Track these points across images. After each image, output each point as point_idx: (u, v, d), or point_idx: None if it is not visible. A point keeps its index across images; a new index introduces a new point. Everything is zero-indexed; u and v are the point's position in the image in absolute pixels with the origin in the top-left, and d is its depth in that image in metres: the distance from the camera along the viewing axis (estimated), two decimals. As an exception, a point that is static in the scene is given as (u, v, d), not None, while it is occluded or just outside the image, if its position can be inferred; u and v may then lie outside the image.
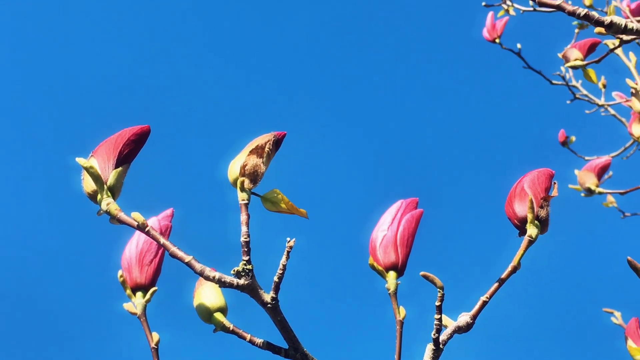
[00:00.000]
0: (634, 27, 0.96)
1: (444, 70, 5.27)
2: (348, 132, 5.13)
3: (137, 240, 1.13)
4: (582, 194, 2.77)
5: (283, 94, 5.13)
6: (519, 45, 3.56)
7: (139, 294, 1.09)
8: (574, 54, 2.08)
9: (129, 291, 1.10)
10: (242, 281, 0.88)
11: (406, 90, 5.29)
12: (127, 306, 1.09)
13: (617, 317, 2.33)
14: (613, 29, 0.96)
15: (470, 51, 4.91)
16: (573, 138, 3.76)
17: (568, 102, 3.66)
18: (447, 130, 5.09)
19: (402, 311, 1.10)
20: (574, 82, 3.65)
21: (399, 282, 1.11)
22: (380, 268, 1.11)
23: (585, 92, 3.62)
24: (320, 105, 5.14)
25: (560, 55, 2.15)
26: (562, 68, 3.63)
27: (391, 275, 1.11)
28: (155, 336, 1.08)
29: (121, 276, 1.10)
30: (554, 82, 3.63)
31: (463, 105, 5.14)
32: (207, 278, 0.88)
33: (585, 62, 2.08)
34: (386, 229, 1.14)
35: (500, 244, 1.12)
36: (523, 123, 4.94)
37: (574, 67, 2.07)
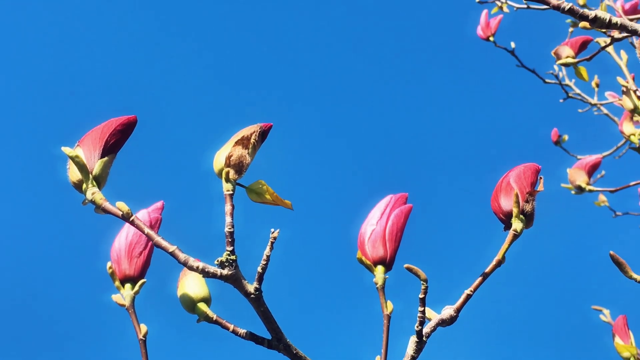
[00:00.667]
0: (618, 22, 0.97)
1: (438, 67, 5.27)
2: (338, 125, 5.12)
3: (126, 232, 1.13)
4: (573, 192, 2.77)
5: (271, 85, 5.12)
6: (512, 44, 3.57)
7: (128, 285, 1.09)
8: (566, 52, 2.09)
9: (117, 283, 1.10)
10: (225, 271, 0.88)
11: (399, 86, 5.28)
12: (116, 298, 1.09)
13: (605, 315, 2.33)
14: (597, 23, 0.97)
15: (464, 49, 4.91)
16: (566, 137, 3.77)
17: (561, 100, 3.67)
18: (438, 126, 5.09)
19: (390, 305, 1.10)
20: (567, 81, 3.65)
21: (387, 276, 1.11)
22: (368, 262, 1.12)
23: (578, 91, 3.62)
24: (308, 97, 5.13)
25: (552, 52, 2.15)
26: (556, 67, 3.63)
27: (379, 269, 1.11)
28: (143, 328, 1.08)
29: (110, 267, 1.10)
30: (547, 80, 3.64)
31: (456, 103, 5.14)
32: (191, 268, 0.88)
33: (576, 60, 2.08)
34: (375, 224, 1.14)
35: (487, 238, 1.13)
36: (516, 121, 4.94)
37: (565, 65, 2.07)
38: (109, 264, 1.10)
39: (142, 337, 1.07)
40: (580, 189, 2.72)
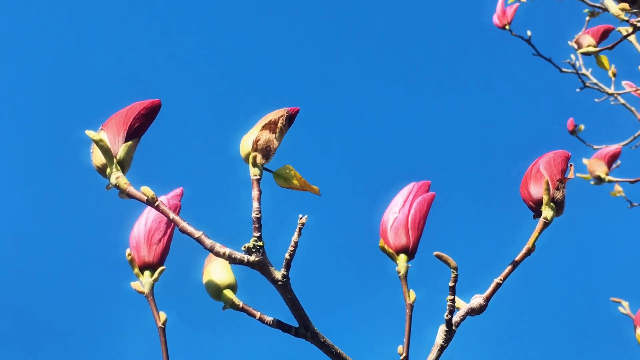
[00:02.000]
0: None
1: (454, 55, 5.24)
2: (361, 113, 5.09)
3: (145, 219, 1.12)
4: (592, 182, 2.74)
5: (297, 70, 5.09)
6: (529, 33, 3.54)
7: (147, 272, 1.08)
8: (587, 40, 2.06)
9: (136, 270, 1.09)
10: (252, 258, 0.86)
11: (417, 75, 5.25)
12: (135, 285, 1.08)
13: (624, 307, 2.31)
14: (638, 4, 0.94)
15: (480, 37, 4.88)
16: (582, 127, 3.74)
17: (577, 90, 3.63)
18: (457, 116, 5.06)
19: (412, 294, 1.09)
20: (583, 70, 3.62)
21: (409, 265, 1.10)
22: (390, 251, 1.11)
23: (595, 80, 3.59)
24: (333, 84, 5.10)
25: (572, 41, 2.13)
26: (572, 56, 3.60)
27: (402, 258, 1.10)
28: (163, 315, 1.07)
29: (129, 254, 1.09)
30: (563, 70, 3.61)
31: (472, 92, 5.11)
32: (217, 254, 0.86)
33: (598, 49, 2.06)
34: (397, 212, 1.13)
35: (515, 226, 1.11)
36: (531, 110, 4.91)
37: (586, 54, 2.05)
38: (128, 251, 1.09)
39: (161, 325, 1.06)
40: (599, 180, 2.70)
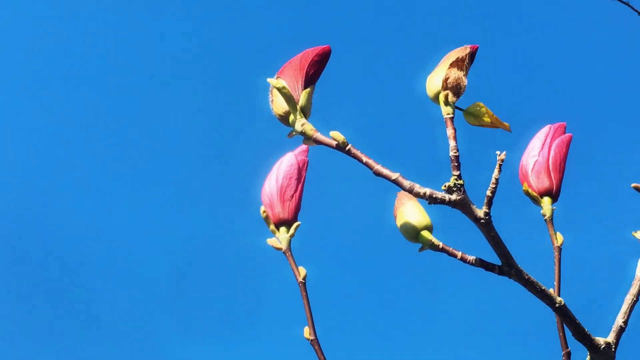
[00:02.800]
0: None
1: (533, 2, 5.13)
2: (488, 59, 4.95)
3: (276, 176, 1.12)
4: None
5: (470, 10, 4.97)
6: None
7: (283, 229, 1.08)
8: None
9: (272, 226, 1.09)
10: (454, 197, 0.84)
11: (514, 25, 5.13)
12: (271, 241, 1.08)
13: None
14: None
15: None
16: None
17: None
18: (536, 62, 4.93)
19: (560, 237, 1.09)
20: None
21: (554, 207, 1.09)
22: (534, 194, 1.11)
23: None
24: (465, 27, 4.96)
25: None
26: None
27: (546, 201, 1.10)
28: (302, 270, 1.06)
29: (264, 212, 1.09)
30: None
31: (550, 39, 5.00)
32: (417, 195, 0.84)
33: None
34: (537, 155, 1.13)
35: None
36: (610, 57, 4.80)
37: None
38: (262, 209, 1.09)
39: (301, 280, 1.06)
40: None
